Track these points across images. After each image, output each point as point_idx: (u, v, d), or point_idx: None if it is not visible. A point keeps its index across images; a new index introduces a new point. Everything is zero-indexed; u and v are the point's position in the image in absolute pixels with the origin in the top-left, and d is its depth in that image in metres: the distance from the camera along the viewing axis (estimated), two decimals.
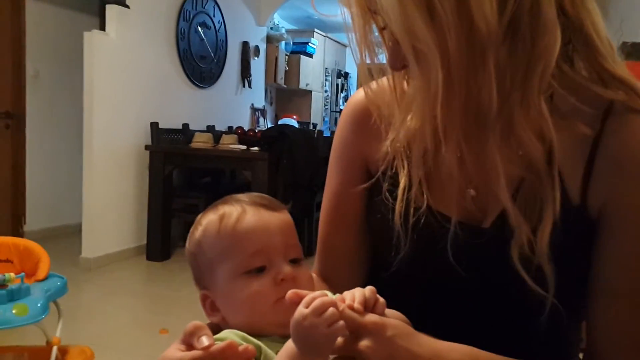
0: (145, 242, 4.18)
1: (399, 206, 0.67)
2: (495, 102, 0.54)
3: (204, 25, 4.91)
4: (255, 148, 4.03)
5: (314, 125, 6.69)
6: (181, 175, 4.59)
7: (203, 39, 4.92)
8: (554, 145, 0.57)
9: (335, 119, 8.27)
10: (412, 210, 0.66)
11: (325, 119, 7.93)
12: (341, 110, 7.52)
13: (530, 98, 0.55)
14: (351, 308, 0.52)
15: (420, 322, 0.57)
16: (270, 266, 0.62)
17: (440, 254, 0.64)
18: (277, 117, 6.81)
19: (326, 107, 7.98)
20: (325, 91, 7.92)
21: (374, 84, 0.69)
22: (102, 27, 4.03)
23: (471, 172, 0.61)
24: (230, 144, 4.23)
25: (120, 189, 4.06)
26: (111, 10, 3.91)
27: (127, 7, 3.98)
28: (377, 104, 0.70)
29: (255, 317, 0.61)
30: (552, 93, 0.59)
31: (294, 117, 6.42)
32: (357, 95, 0.77)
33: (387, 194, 0.70)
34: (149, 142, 4.19)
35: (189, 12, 4.68)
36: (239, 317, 0.62)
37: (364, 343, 0.52)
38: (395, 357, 0.52)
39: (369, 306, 0.53)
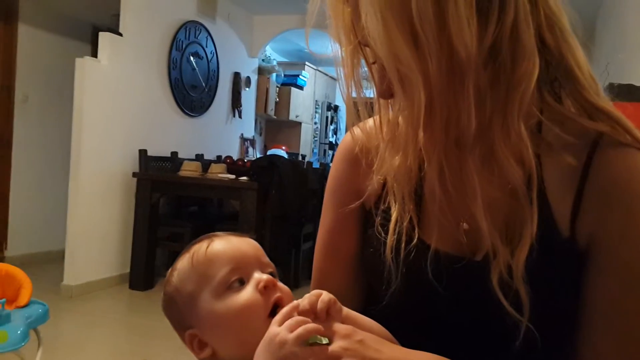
0: (128, 270, 4.11)
1: (390, 240, 0.68)
2: (474, 124, 0.56)
3: (196, 55, 4.96)
4: (244, 178, 4.03)
5: (303, 157, 6.71)
6: (168, 203, 4.55)
7: (195, 69, 4.96)
8: (533, 170, 0.58)
9: (324, 151, 8.32)
10: (403, 244, 0.67)
11: (315, 150, 7.96)
12: (330, 142, 7.61)
13: (510, 122, 0.56)
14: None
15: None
16: (249, 279, 0.63)
17: (429, 286, 0.64)
18: (266, 148, 6.83)
19: (315, 138, 8.03)
20: (315, 123, 7.98)
21: (364, 123, 0.72)
22: (94, 54, 4.05)
23: (458, 202, 0.62)
24: (218, 173, 4.22)
25: (105, 216, 4.02)
26: (104, 37, 3.93)
27: (120, 35, 4.01)
28: (363, 141, 0.72)
29: (247, 335, 0.59)
30: (540, 125, 0.61)
31: (283, 147, 6.45)
32: (348, 135, 0.79)
33: (379, 227, 0.70)
34: (137, 169, 4.16)
35: (182, 41, 4.72)
36: (230, 343, 0.62)
37: (338, 344, 0.55)
38: (366, 357, 0.56)
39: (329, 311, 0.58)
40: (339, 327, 0.57)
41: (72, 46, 4.92)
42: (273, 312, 0.60)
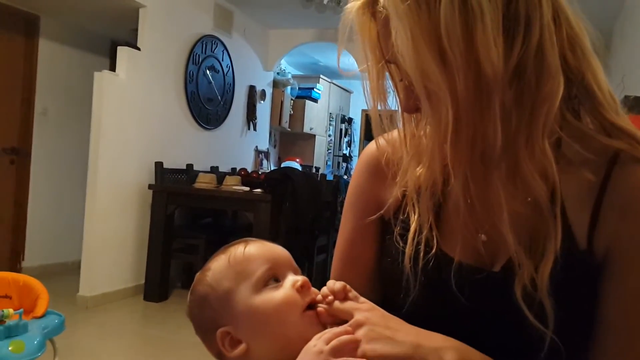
0: (143, 281, 4.14)
1: (408, 250, 0.69)
2: (500, 141, 0.57)
3: (212, 68, 5.02)
4: (259, 190, 4.05)
5: (317, 169, 6.72)
6: (182, 215, 4.59)
7: (211, 82, 5.01)
8: (556, 185, 0.60)
9: (338, 163, 8.32)
10: (421, 254, 0.68)
11: (328, 162, 7.98)
12: (344, 154, 7.64)
13: (535, 139, 0.57)
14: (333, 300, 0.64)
15: None
16: (284, 279, 0.67)
17: (450, 297, 0.65)
18: (280, 160, 6.86)
19: (329, 151, 8.05)
20: (329, 135, 8.00)
21: (386, 135, 0.73)
22: (112, 68, 4.13)
23: (480, 214, 0.63)
24: (233, 185, 4.24)
25: (121, 227, 4.06)
26: (122, 51, 4.00)
27: (138, 49, 4.08)
28: (388, 152, 0.74)
29: (283, 329, 0.63)
30: (560, 141, 0.62)
31: (297, 160, 6.47)
32: (372, 145, 0.80)
33: (398, 237, 0.71)
34: (153, 181, 4.21)
35: (199, 55, 4.79)
36: (265, 338, 0.64)
37: (362, 314, 0.61)
38: (391, 322, 0.62)
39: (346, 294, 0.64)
40: (359, 304, 0.63)
41: (91, 60, 5.01)
42: (308, 309, 0.64)
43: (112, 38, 5.17)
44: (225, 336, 0.66)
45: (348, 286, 0.65)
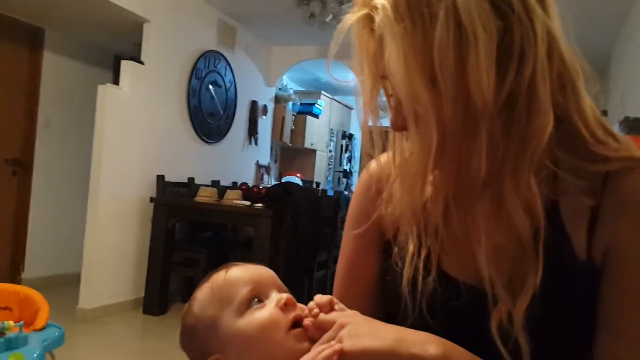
0: (142, 295, 4.14)
1: (406, 273, 0.68)
2: (484, 171, 0.57)
3: (215, 83, 5.05)
4: (260, 204, 4.06)
5: (317, 184, 6.74)
6: (183, 228, 4.59)
7: (213, 97, 5.05)
8: (541, 222, 0.59)
9: (339, 179, 8.33)
10: (420, 278, 0.67)
11: (329, 178, 7.99)
12: (344, 170, 7.60)
13: (520, 173, 0.57)
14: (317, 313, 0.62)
15: None
16: (268, 298, 0.66)
17: (450, 322, 0.64)
18: (281, 175, 6.87)
19: (330, 166, 8.07)
20: (330, 151, 8.03)
21: (385, 155, 0.73)
22: (115, 81, 4.16)
23: (460, 240, 0.63)
24: (234, 199, 4.25)
25: (121, 240, 4.06)
26: (126, 65, 4.04)
27: (142, 63, 4.12)
28: (386, 171, 0.73)
29: (270, 349, 0.62)
30: (555, 174, 0.62)
31: (298, 175, 6.48)
32: (372, 163, 0.80)
33: (396, 258, 0.71)
34: (154, 195, 4.22)
35: (202, 70, 4.83)
36: (254, 359, 0.63)
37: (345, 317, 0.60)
38: (374, 323, 0.60)
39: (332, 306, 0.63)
40: (343, 312, 0.63)
41: (94, 73, 5.05)
42: (293, 327, 0.63)
43: (115, 52, 5.21)
44: None
45: (335, 299, 0.64)
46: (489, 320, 0.63)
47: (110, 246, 3.96)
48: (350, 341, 0.57)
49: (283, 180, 5.97)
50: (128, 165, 4.06)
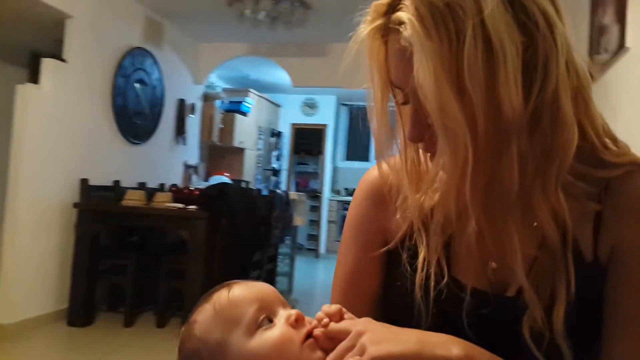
0: (66, 305, 3.90)
1: (419, 278, 0.68)
2: (516, 185, 0.58)
3: (141, 81, 4.85)
4: (194, 207, 3.95)
5: (247, 183, 6.66)
6: (108, 234, 4.38)
7: (139, 96, 4.85)
8: (568, 229, 0.61)
9: (267, 177, 8.28)
10: (432, 283, 0.67)
11: (258, 176, 7.92)
12: (273, 168, 7.53)
13: (549, 187, 0.59)
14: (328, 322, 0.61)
15: None
16: (276, 316, 0.64)
17: (462, 325, 0.64)
18: (208, 175, 6.72)
19: (259, 164, 8.00)
20: (259, 149, 7.96)
21: (390, 161, 0.72)
22: (32, 80, 3.89)
23: (490, 247, 0.64)
24: (165, 202, 4.11)
25: (42, 248, 3.82)
26: (47, 63, 3.79)
27: (64, 61, 3.88)
28: (390, 178, 0.73)
29: None
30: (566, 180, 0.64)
31: (226, 174, 6.36)
32: (372, 171, 0.78)
33: (406, 264, 0.70)
34: (77, 199, 4.00)
35: (127, 68, 4.62)
36: None
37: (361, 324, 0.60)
38: (391, 328, 0.60)
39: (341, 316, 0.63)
40: (355, 320, 0.62)
41: (7, 71, 4.71)
42: (306, 340, 0.62)
43: (31, 48, 4.87)
44: None
45: (344, 309, 0.64)
46: (514, 327, 0.63)
47: (30, 255, 3.71)
48: (373, 347, 0.56)
49: (211, 180, 5.85)
50: (49, 169, 3.82)
